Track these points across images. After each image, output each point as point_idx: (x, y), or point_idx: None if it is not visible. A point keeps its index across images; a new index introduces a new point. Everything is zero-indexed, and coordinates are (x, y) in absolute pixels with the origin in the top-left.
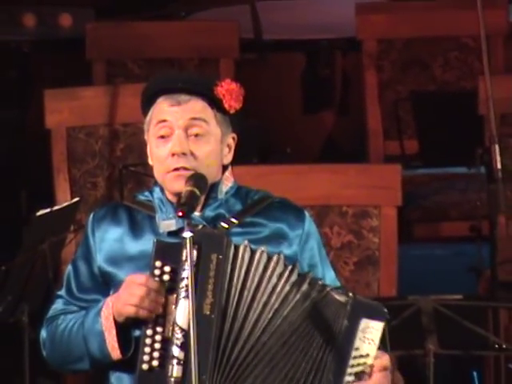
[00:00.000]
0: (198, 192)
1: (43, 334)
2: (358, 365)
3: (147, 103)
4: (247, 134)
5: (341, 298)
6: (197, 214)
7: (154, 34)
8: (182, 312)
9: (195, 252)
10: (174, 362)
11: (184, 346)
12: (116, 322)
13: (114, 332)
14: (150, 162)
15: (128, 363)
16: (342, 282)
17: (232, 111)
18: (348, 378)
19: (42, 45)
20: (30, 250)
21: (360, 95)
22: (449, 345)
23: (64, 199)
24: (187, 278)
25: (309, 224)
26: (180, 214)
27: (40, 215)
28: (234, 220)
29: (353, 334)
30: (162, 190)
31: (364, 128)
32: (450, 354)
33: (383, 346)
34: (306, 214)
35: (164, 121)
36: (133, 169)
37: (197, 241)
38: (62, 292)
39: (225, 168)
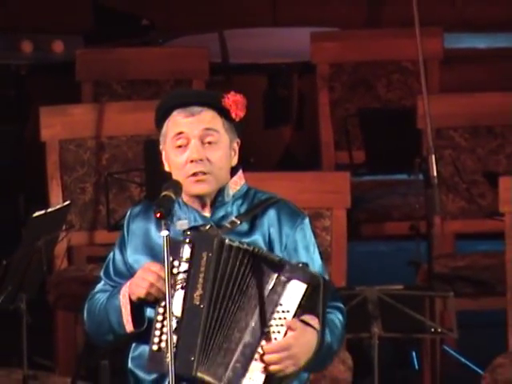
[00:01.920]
0: (173, 196)
1: (85, 309)
2: (280, 318)
3: (162, 117)
4: None
5: (275, 259)
6: (206, 214)
7: (135, 59)
8: (177, 302)
9: (189, 250)
10: (170, 343)
11: (177, 332)
12: (131, 300)
13: (128, 308)
14: (167, 168)
15: (144, 343)
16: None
17: (238, 119)
18: (268, 329)
19: (38, 68)
20: (27, 246)
21: (314, 112)
22: (391, 329)
23: (57, 202)
24: (184, 272)
25: (300, 229)
26: (158, 215)
27: (36, 216)
28: (235, 220)
29: (278, 291)
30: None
31: (317, 140)
32: (392, 337)
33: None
34: (305, 219)
35: (181, 133)
36: (117, 176)
37: (192, 240)
38: (102, 274)
39: (233, 172)
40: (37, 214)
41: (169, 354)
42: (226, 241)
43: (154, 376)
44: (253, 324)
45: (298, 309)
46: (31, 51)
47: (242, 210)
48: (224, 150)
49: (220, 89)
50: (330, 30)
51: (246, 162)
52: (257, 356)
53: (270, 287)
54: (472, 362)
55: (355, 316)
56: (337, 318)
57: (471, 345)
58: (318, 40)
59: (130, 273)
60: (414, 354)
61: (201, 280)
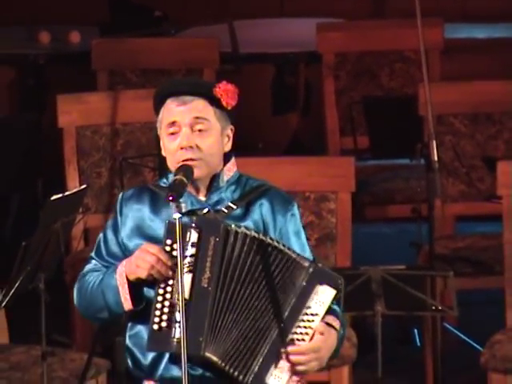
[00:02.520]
0: (185, 180)
1: (75, 287)
2: (308, 321)
3: (159, 104)
4: None
5: (304, 263)
6: (202, 198)
7: (148, 49)
8: (185, 284)
9: (197, 235)
10: (177, 325)
11: (185, 313)
12: (128, 279)
13: (126, 286)
14: (163, 153)
15: (143, 322)
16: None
17: (229, 107)
18: (295, 330)
19: (55, 58)
20: (46, 228)
21: (320, 100)
22: (394, 307)
23: (74, 186)
24: (190, 256)
25: (294, 212)
26: (170, 198)
27: (54, 199)
28: (232, 205)
29: (308, 294)
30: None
31: (323, 127)
32: (395, 315)
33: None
34: (294, 205)
35: (173, 122)
36: (131, 161)
37: (199, 225)
38: (93, 255)
39: (227, 159)
40: (54, 197)
41: (172, 334)
42: (232, 226)
43: (151, 355)
44: (276, 319)
45: (325, 313)
46: (49, 42)
47: (236, 195)
48: (215, 137)
49: (230, 78)
50: (335, 20)
51: (255, 147)
52: (283, 355)
53: (299, 287)
54: (471, 338)
55: (359, 295)
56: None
57: (470, 322)
58: (324, 30)
59: (123, 254)
60: (415, 331)
61: (208, 264)
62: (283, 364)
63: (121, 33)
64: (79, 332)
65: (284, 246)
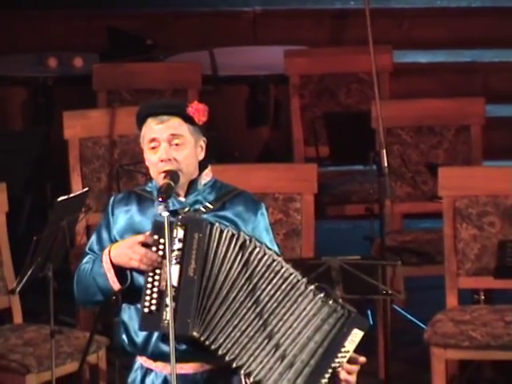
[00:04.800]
0: (172, 184)
1: (74, 281)
2: (342, 357)
3: (141, 122)
4: (208, 143)
5: (334, 306)
6: (182, 199)
7: (141, 72)
8: (173, 274)
9: (183, 231)
10: (167, 309)
11: (174, 298)
12: (113, 264)
13: (112, 271)
14: (147, 163)
15: (135, 305)
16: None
17: (201, 123)
18: (331, 365)
19: (62, 80)
20: (54, 225)
21: (287, 115)
22: (351, 291)
23: (77, 189)
24: (177, 249)
25: (261, 213)
26: (160, 199)
27: (60, 200)
28: (209, 205)
29: (346, 336)
30: (156, 183)
31: (290, 138)
32: (351, 298)
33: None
34: (263, 205)
35: (153, 138)
36: (126, 168)
37: (185, 223)
38: (87, 250)
39: (204, 167)
40: (61, 198)
41: (162, 317)
42: (216, 224)
43: (143, 334)
44: (317, 356)
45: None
46: (56, 66)
47: (211, 197)
48: (189, 149)
49: (210, 96)
50: (300, 48)
51: (232, 155)
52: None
53: (337, 331)
54: (416, 318)
55: (321, 281)
56: None
57: (416, 304)
58: (291, 56)
59: None
60: (369, 312)
61: (194, 256)
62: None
63: (118, 58)
64: (82, 314)
65: (258, 241)
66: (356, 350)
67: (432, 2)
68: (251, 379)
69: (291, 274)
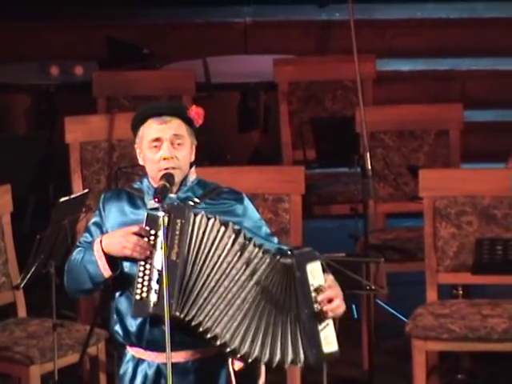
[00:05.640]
0: (168, 185)
1: (65, 270)
2: (319, 293)
3: (139, 123)
4: (201, 146)
5: (286, 261)
6: (173, 195)
7: (138, 79)
8: (158, 258)
9: (167, 218)
10: (153, 291)
11: (159, 281)
12: (105, 253)
13: (103, 259)
14: (141, 162)
15: (129, 294)
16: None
17: (198, 125)
18: (316, 306)
19: (63, 87)
20: (56, 224)
21: (276, 120)
22: None
23: (78, 190)
24: (159, 236)
25: (246, 202)
26: (156, 199)
27: (62, 201)
28: (197, 200)
29: (306, 278)
30: (148, 181)
31: (279, 142)
32: None
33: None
34: (244, 196)
35: (157, 138)
36: (124, 170)
37: (169, 211)
38: (79, 243)
39: (191, 166)
40: (63, 199)
41: (150, 300)
42: (198, 212)
43: (137, 324)
44: (301, 310)
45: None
46: (58, 74)
47: (198, 193)
48: (188, 149)
49: (204, 102)
50: (288, 56)
51: (224, 158)
52: (322, 322)
53: (297, 278)
54: (398, 311)
55: None
56: None
57: (398, 299)
58: (280, 64)
59: None
60: (353, 306)
61: (176, 241)
62: (326, 330)
63: (116, 67)
64: (83, 308)
65: (238, 227)
66: (342, 343)
67: (413, 14)
68: (227, 350)
69: (266, 252)
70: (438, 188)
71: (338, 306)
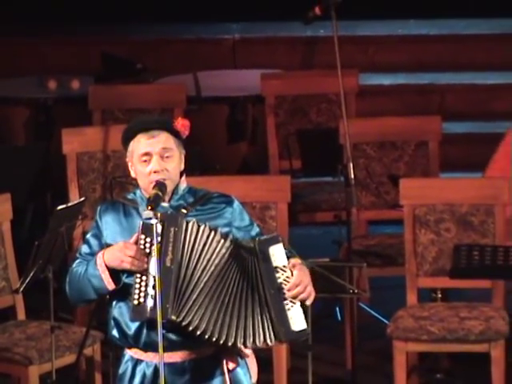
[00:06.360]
0: (160, 194)
1: (66, 281)
2: (283, 274)
3: (129, 138)
4: (192, 157)
5: (249, 245)
6: (166, 204)
7: (132, 93)
8: (153, 265)
9: (160, 227)
10: (149, 297)
11: (155, 287)
12: (107, 267)
13: (107, 273)
14: (133, 175)
15: (125, 302)
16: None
17: (185, 136)
18: (281, 285)
19: (60, 100)
20: (53, 231)
21: (264, 132)
22: (321, 290)
23: (74, 199)
24: (154, 244)
25: (236, 204)
26: (149, 207)
27: (59, 209)
28: (188, 207)
29: (268, 260)
30: (141, 192)
31: (266, 153)
32: (321, 297)
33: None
34: (234, 199)
35: (146, 153)
36: (118, 179)
37: (162, 220)
38: (78, 255)
39: (181, 175)
40: (60, 207)
41: (147, 305)
42: (189, 219)
43: (134, 327)
44: (266, 291)
45: (287, 259)
46: (55, 88)
47: (189, 200)
48: (177, 160)
49: (195, 115)
50: (275, 71)
51: (214, 168)
52: (288, 302)
53: (260, 260)
54: (380, 314)
55: None
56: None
57: (379, 302)
58: (267, 79)
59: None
60: (337, 308)
61: (170, 248)
62: (289, 305)
63: (111, 81)
64: (79, 311)
65: (245, 241)
66: (326, 344)
67: (394, 30)
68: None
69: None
70: (417, 196)
71: (302, 292)
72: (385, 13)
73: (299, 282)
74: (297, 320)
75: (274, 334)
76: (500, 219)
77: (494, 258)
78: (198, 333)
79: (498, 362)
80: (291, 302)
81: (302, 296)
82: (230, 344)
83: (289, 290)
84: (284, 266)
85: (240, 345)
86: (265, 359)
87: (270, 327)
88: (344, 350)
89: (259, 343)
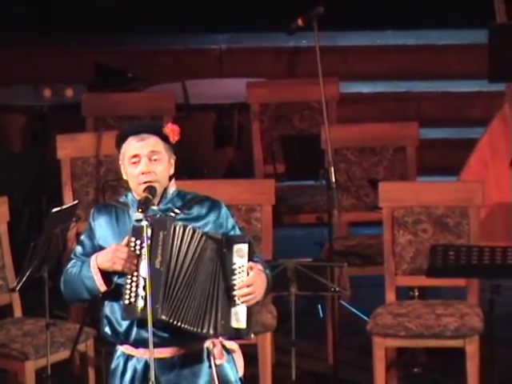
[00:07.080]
0: (151, 197)
1: (61, 281)
2: (239, 272)
3: (121, 141)
4: (181, 162)
5: (217, 236)
6: (155, 207)
7: (123, 100)
8: (143, 267)
9: (150, 231)
10: (140, 297)
11: (145, 288)
12: (100, 269)
13: (99, 275)
14: (125, 177)
15: (117, 301)
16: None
17: (174, 141)
18: (234, 282)
19: (55, 108)
20: (49, 232)
21: (249, 137)
22: (304, 289)
23: (69, 202)
24: (144, 247)
25: (224, 210)
26: (140, 210)
27: (54, 211)
28: (177, 211)
29: (230, 255)
30: (132, 195)
31: (251, 157)
32: (304, 294)
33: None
34: (222, 203)
35: (135, 155)
36: (111, 183)
37: (152, 224)
38: (72, 256)
39: (170, 179)
40: (55, 210)
41: (138, 305)
42: (177, 223)
43: (125, 324)
44: (220, 283)
45: (248, 261)
46: (50, 96)
47: (178, 204)
48: (165, 164)
49: (183, 122)
50: (259, 79)
51: (201, 172)
52: (235, 299)
53: (223, 254)
54: (360, 311)
55: (278, 280)
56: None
57: (360, 300)
58: (252, 87)
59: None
60: (319, 306)
61: (159, 251)
62: (237, 305)
63: (103, 89)
64: (74, 309)
65: (213, 233)
66: (309, 340)
67: (373, 41)
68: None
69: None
70: (396, 199)
71: (250, 294)
72: (364, 24)
73: (251, 283)
74: (238, 318)
75: (215, 327)
76: (474, 221)
77: (469, 258)
78: (183, 326)
79: (472, 356)
80: (239, 300)
81: (248, 297)
82: (204, 332)
83: (239, 289)
84: (242, 266)
85: (212, 333)
86: (250, 354)
87: (215, 319)
88: (326, 346)
89: (208, 334)
